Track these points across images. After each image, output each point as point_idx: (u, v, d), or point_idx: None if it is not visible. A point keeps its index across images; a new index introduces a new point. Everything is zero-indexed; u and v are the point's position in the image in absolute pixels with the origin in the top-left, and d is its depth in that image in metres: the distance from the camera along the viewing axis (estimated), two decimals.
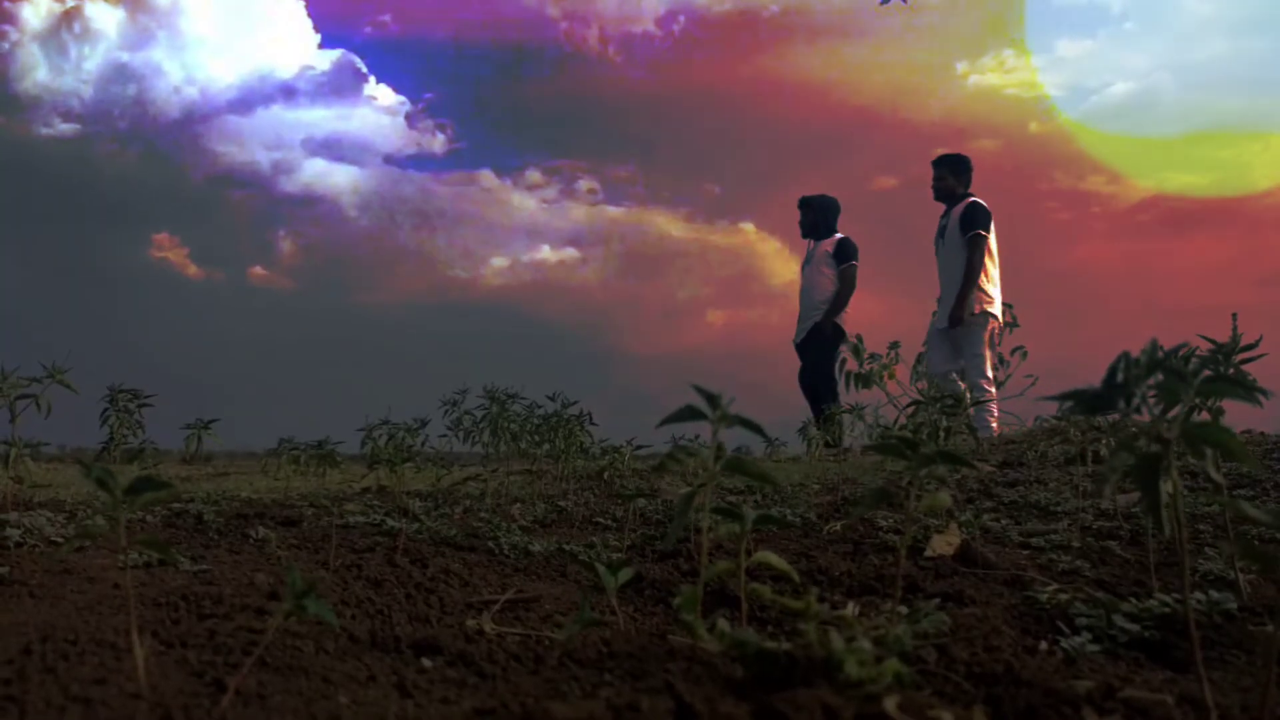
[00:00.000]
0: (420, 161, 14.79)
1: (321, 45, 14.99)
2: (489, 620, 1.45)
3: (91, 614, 1.41)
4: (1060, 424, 6.28)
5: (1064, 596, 1.45)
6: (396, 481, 3.78)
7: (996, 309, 6.59)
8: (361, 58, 15.11)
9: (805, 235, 7.34)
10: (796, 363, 7.50)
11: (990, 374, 6.43)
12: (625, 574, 1.30)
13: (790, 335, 7.48)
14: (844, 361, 8.90)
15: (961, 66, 14.51)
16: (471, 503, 3.33)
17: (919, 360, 8.79)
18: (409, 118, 14.76)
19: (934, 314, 6.79)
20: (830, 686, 0.76)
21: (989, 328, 6.45)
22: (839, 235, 7.22)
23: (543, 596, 1.65)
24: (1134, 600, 1.37)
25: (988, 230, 6.53)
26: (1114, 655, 1.24)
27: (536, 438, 3.65)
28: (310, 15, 15.30)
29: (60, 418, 2.48)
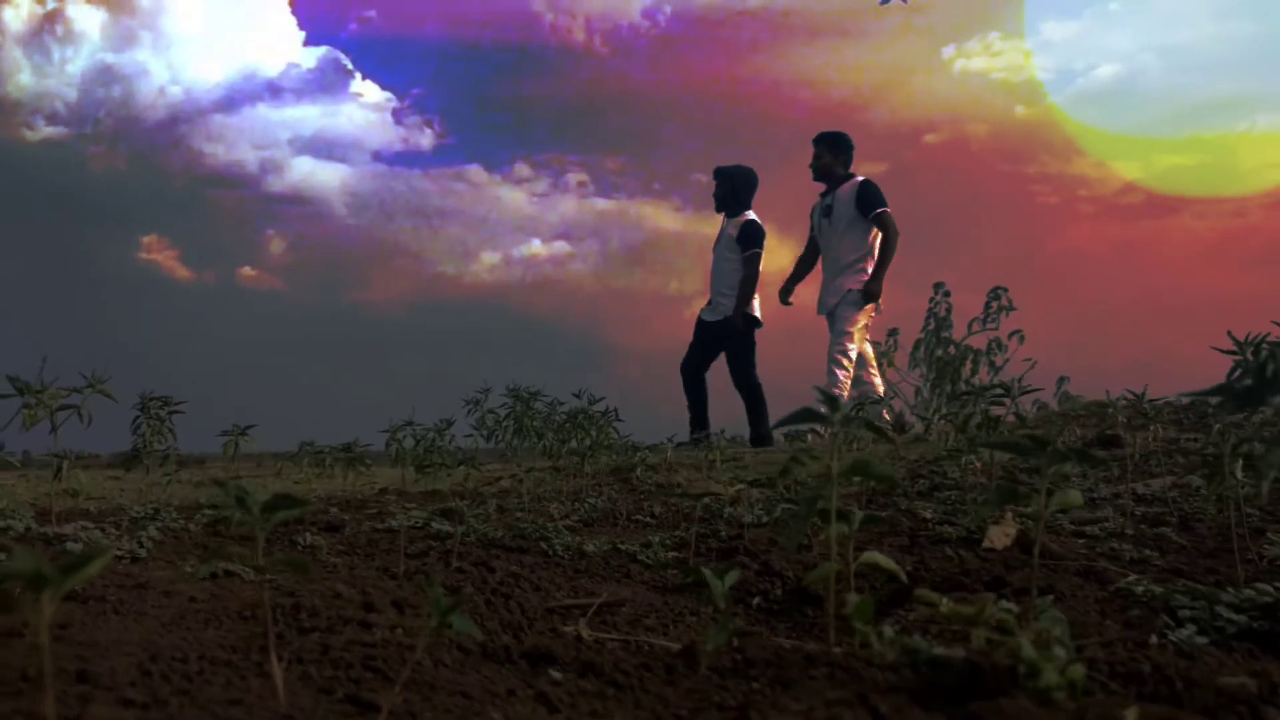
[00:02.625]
0: (409, 158, 14.67)
1: (307, 43, 14.83)
2: (585, 626, 1.44)
3: (181, 629, 1.38)
4: (1074, 411, 6.32)
5: (1158, 588, 1.45)
6: (426, 482, 3.76)
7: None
8: (347, 54, 14.97)
9: (718, 209, 6.91)
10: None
11: (852, 353, 6.26)
12: (732, 577, 1.29)
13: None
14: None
15: (949, 52, 14.55)
16: (503, 502, 3.31)
17: (916, 346, 8.80)
18: (396, 114, 14.63)
19: (820, 300, 6.56)
20: (1026, 696, 0.75)
21: (862, 307, 6.26)
22: (747, 217, 6.74)
23: (626, 601, 1.64)
24: (1231, 590, 1.38)
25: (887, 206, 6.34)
26: (1225, 647, 1.24)
27: (561, 435, 3.64)
28: (295, 13, 15.13)
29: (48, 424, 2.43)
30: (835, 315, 6.36)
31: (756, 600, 1.68)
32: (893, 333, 8.73)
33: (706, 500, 2.56)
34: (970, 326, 8.85)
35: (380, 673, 1.12)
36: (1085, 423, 5.33)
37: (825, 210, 6.50)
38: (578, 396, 3.55)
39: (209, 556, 0.98)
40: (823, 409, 1.15)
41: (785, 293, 6.92)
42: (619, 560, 2.12)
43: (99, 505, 3.31)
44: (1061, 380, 8.18)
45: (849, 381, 6.26)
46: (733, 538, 2.37)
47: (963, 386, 8.66)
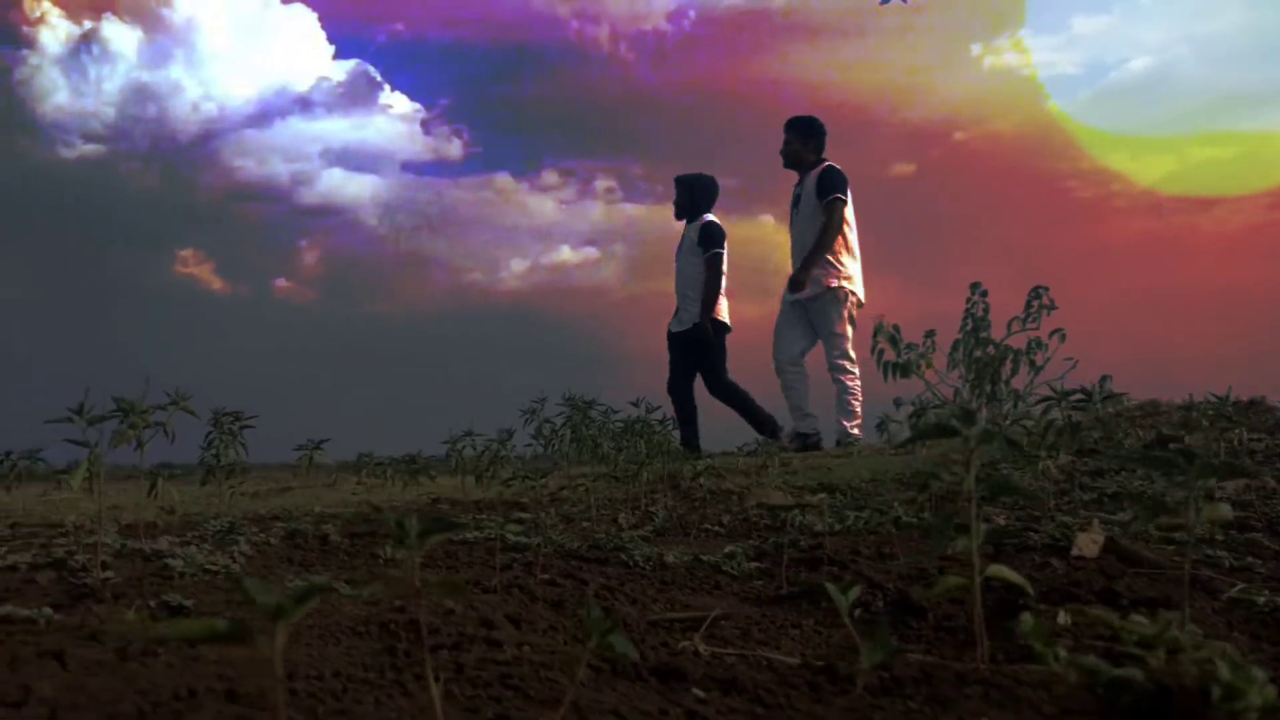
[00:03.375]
0: (438, 167, 14.79)
1: (337, 56, 15.00)
2: (700, 641, 1.44)
3: (303, 646, 1.39)
4: (1125, 411, 6.24)
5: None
6: (482, 491, 3.77)
7: (856, 284, 6.11)
8: (376, 67, 15.12)
9: (677, 216, 6.77)
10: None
11: (852, 354, 5.99)
12: (855, 592, 1.29)
13: None
14: (883, 353, 8.76)
15: (977, 49, 14.45)
16: (562, 510, 3.31)
17: (954, 348, 8.70)
18: (425, 124, 14.76)
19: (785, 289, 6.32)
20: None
21: (847, 304, 5.99)
22: (706, 219, 6.60)
23: (731, 614, 1.64)
24: None
25: (846, 196, 6.05)
26: None
27: (618, 443, 3.64)
28: (325, 27, 15.31)
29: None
30: (819, 319, 6.09)
31: (858, 612, 1.67)
32: (930, 334, 8.64)
33: (793, 512, 2.55)
34: (1009, 326, 8.74)
35: (520, 691, 1.12)
36: (1140, 423, 5.27)
37: (795, 199, 6.29)
38: (635, 405, 3.56)
39: (370, 578, 0.98)
40: (955, 424, 1.14)
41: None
42: (704, 572, 2.12)
43: (165, 519, 3.35)
44: (1104, 379, 8.05)
45: (858, 384, 5.98)
46: (812, 547, 2.36)
47: (1002, 387, 8.57)
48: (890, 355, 9.75)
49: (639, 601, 1.78)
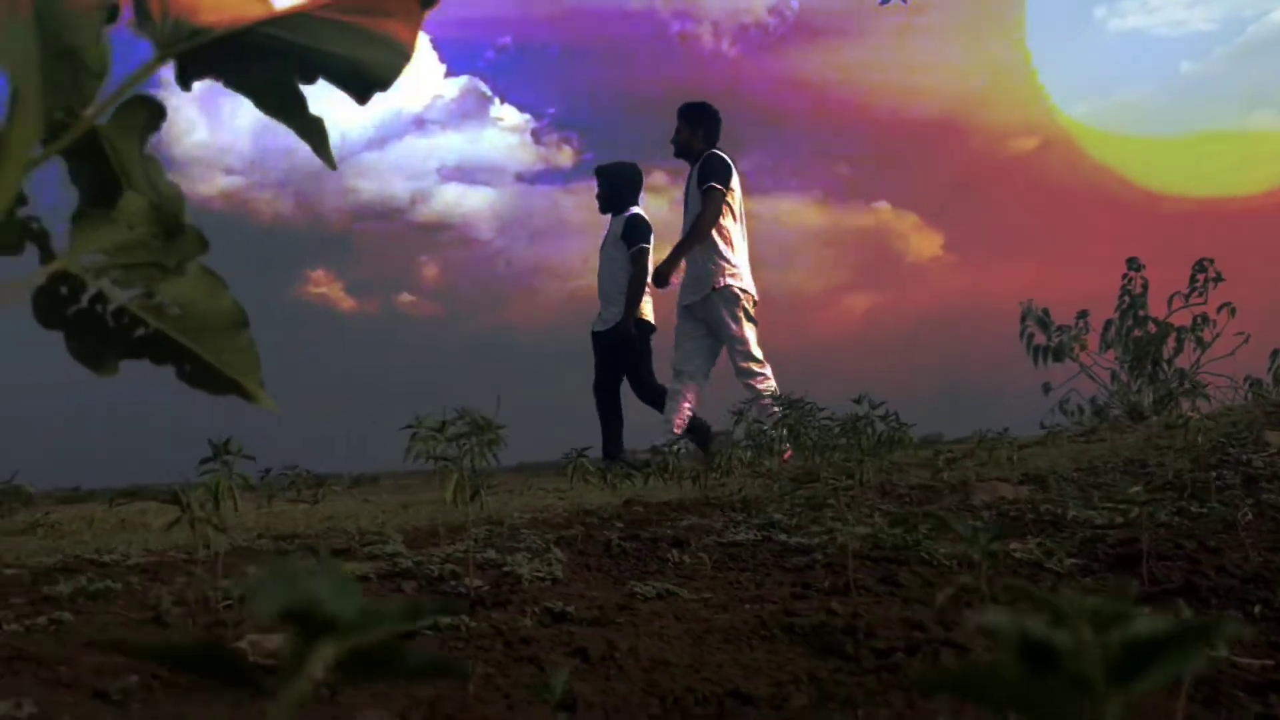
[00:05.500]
0: (550, 175, 15.04)
1: (448, 74, 15.42)
2: None
3: (709, 649, 1.40)
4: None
5: None
6: (668, 491, 3.79)
7: (745, 281, 5.48)
8: (486, 81, 15.50)
9: (602, 210, 6.29)
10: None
11: (758, 353, 5.35)
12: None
13: None
14: (1032, 337, 8.34)
15: (1100, 12, 13.81)
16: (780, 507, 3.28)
17: (1107, 327, 8.23)
18: (535, 134, 15.05)
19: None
20: None
21: (740, 302, 5.37)
22: (631, 211, 6.12)
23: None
24: None
25: (726, 185, 5.44)
26: None
27: (842, 440, 3.59)
28: (436, 47, 15.76)
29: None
30: (714, 323, 5.45)
31: (1258, 609, 1.59)
32: (1082, 314, 8.21)
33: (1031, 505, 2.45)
34: (1170, 302, 8.20)
35: None
36: None
37: (686, 191, 5.75)
38: (857, 402, 3.50)
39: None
40: None
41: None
42: (1027, 570, 2.06)
43: (399, 523, 3.47)
44: (1276, 354, 7.46)
45: (771, 384, 5.25)
46: (1121, 542, 2.27)
47: (1165, 367, 8.05)
48: (1041, 339, 9.34)
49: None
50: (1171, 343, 8.01)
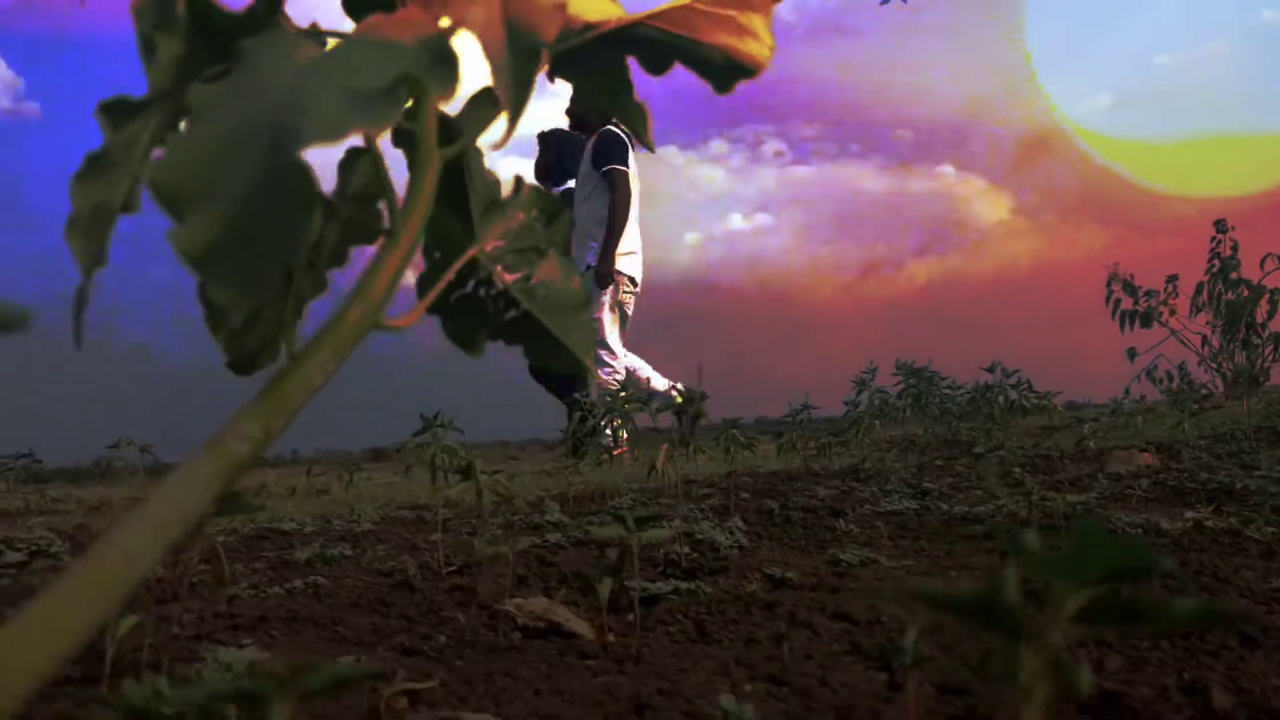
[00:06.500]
0: None
1: None
2: None
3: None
4: None
5: None
6: (781, 461, 3.78)
7: (629, 262, 5.23)
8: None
9: (539, 178, 5.71)
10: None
11: (613, 343, 5.15)
12: None
13: None
14: (1118, 301, 8.09)
15: None
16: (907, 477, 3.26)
17: (1198, 290, 7.95)
18: None
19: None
20: None
21: (607, 289, 5.13)
22: (571, 185, 5.55)
23: None
24: None
25: (626, 164, 5.17)
26: None
27: (966, 410, 3.55)
28: None
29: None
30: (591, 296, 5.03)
31: None
32: (1171, 278, 7.94)
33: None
34: (1263, 264, 7.87)
35: None
36: None
37: (577, 164, 5.51)
38: (989, 371, 3.45)
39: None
40: None
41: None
42: (1228, 539, 2.01)
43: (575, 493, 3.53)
44: None
45: (612, 380, 5.01)
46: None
47: (1259, 332, 7.76)
48: (1128, 304, 9.04)
49: (1232, 579, 1.70)
50: (1265, 305, 7.76)
